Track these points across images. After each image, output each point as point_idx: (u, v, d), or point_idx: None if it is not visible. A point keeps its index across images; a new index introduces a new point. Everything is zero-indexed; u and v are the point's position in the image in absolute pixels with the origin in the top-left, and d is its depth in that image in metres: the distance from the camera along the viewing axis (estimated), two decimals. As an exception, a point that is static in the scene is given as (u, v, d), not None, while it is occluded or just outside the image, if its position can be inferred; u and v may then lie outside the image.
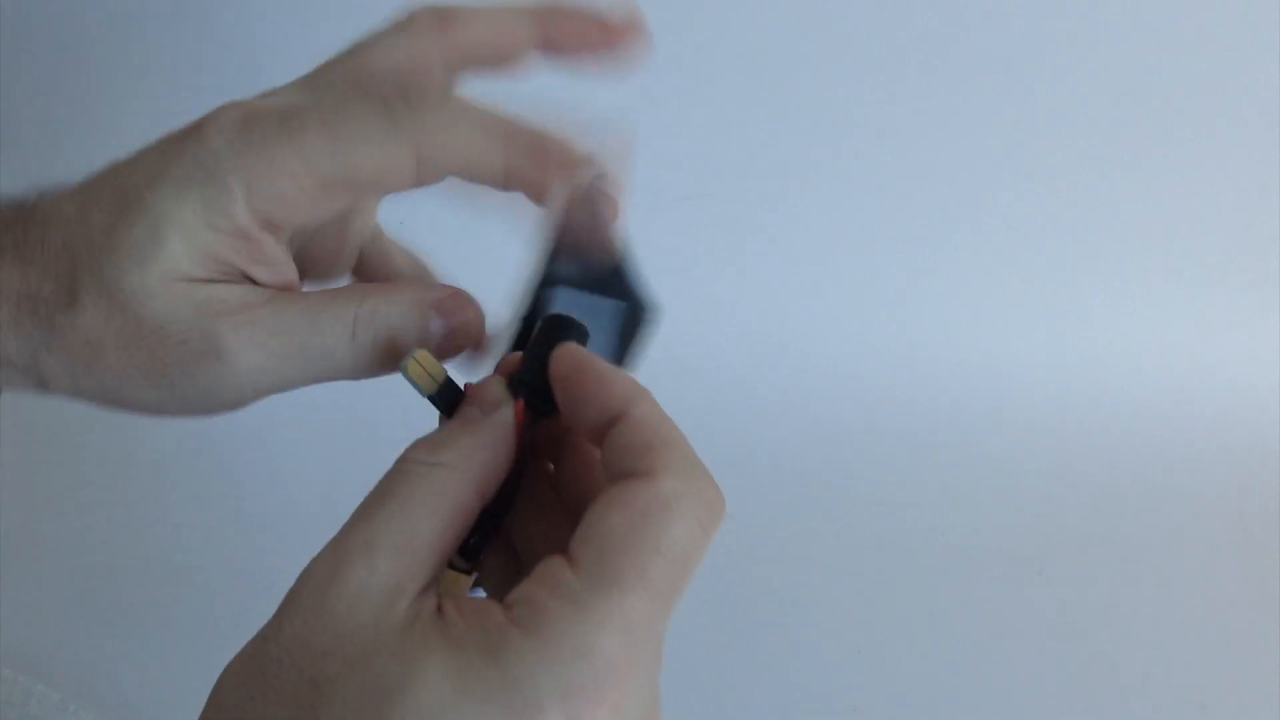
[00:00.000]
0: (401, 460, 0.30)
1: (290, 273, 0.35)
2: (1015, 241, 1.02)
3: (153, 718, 0.73)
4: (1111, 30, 0.94)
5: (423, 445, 0.31)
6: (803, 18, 0.93)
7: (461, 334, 0.35)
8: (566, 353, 0.32)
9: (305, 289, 0.36)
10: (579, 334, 0.33)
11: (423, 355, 0.33)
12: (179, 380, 0.33)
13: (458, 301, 0.35)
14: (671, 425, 0.30)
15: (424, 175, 0.33)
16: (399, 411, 0.88)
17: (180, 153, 0.33)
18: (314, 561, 0.29)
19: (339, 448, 0.88)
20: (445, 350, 0.35)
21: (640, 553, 0.27)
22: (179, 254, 0.32)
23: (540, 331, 0.33)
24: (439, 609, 0.28)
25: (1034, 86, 0.96)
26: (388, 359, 0.35)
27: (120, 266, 0.32)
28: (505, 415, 0.32)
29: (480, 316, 0.36)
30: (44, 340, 0.33)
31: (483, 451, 0.31)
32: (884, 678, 0.78)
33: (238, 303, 0.33)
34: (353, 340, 0.34)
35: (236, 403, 0.34)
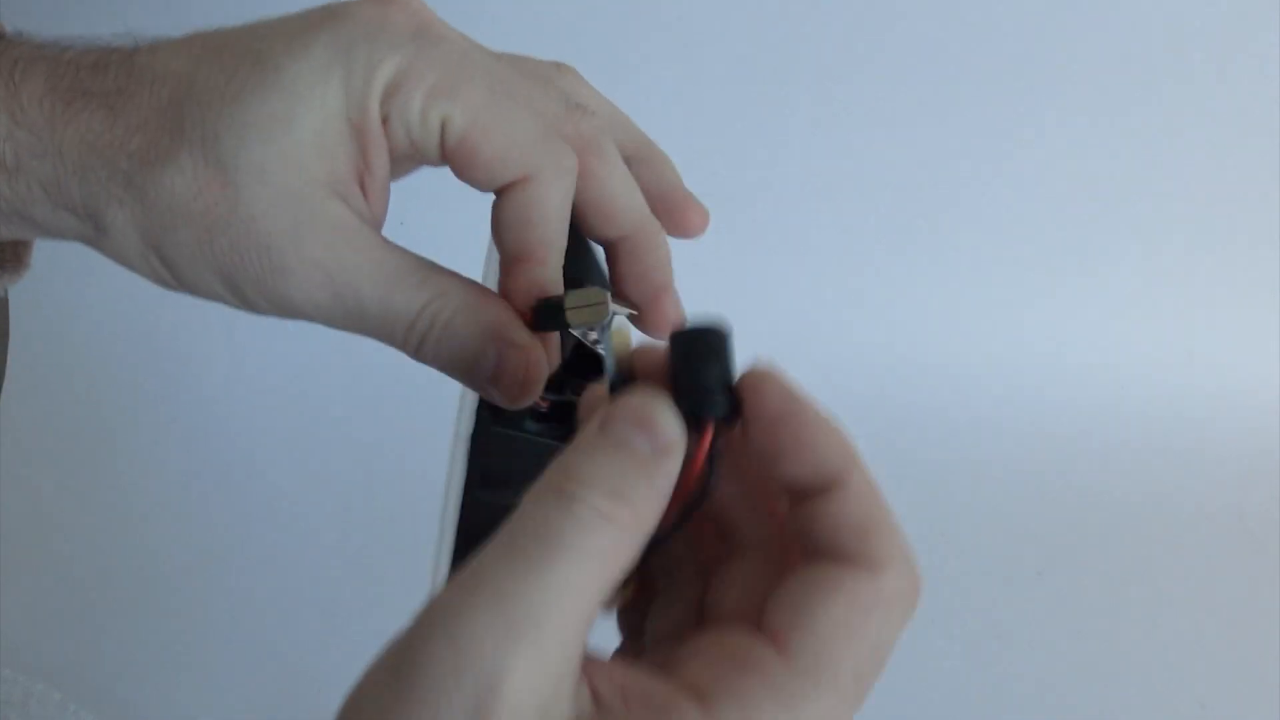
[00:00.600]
0: (570, 499, 0.24)
1: (383, 204, 0.32)
2: (1015, 243, 1.02)
3: (153, 718, 0.73)
4: (1112, 30, 0.94)
5: (595, 486, 0.25)
6: (803, 17, 0.93)
7: (511, 383, 0.31)
8: (773, 384, 0.27)
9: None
10: (726, 351, 0.29)
11: (620, 332, 0.29)
12: (244, 284, 0.31)
13: (527, 356, 0.31)
14: (887, 504, 0.27)
15: (570, 191, 0.31)
16: (405, 418, 0.88)
17: (330, 26, 0.30)
18: (446, 643, 0.23)
19: (342, 451, 0.88)
20: (485, 385, 0.32)
21: (860, 654, 0.24)
22: (308, 138, 0.29)
23: (686, 349, 0.28)
24: (593, 694, 0.24)
25: (1034, 87, 0.96)
26: (437, 361, 0.31)
27: (242, 136, 0.29)
28: (677, 459, 0.26)
29: (541, 371, 0.32)
30: (116, 195, 0.30)
31: (658, 503, 0.25)
32: (884, 678, 0.78)
33: (338, 225, 0.30)
34: (407, 334, 0.31)
35: (284, 314, 0.32)
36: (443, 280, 0.31)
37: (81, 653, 0.75)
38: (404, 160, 0.32)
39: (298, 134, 0.29)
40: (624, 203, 0.33)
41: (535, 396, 0.32)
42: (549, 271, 0.31)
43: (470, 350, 0.31)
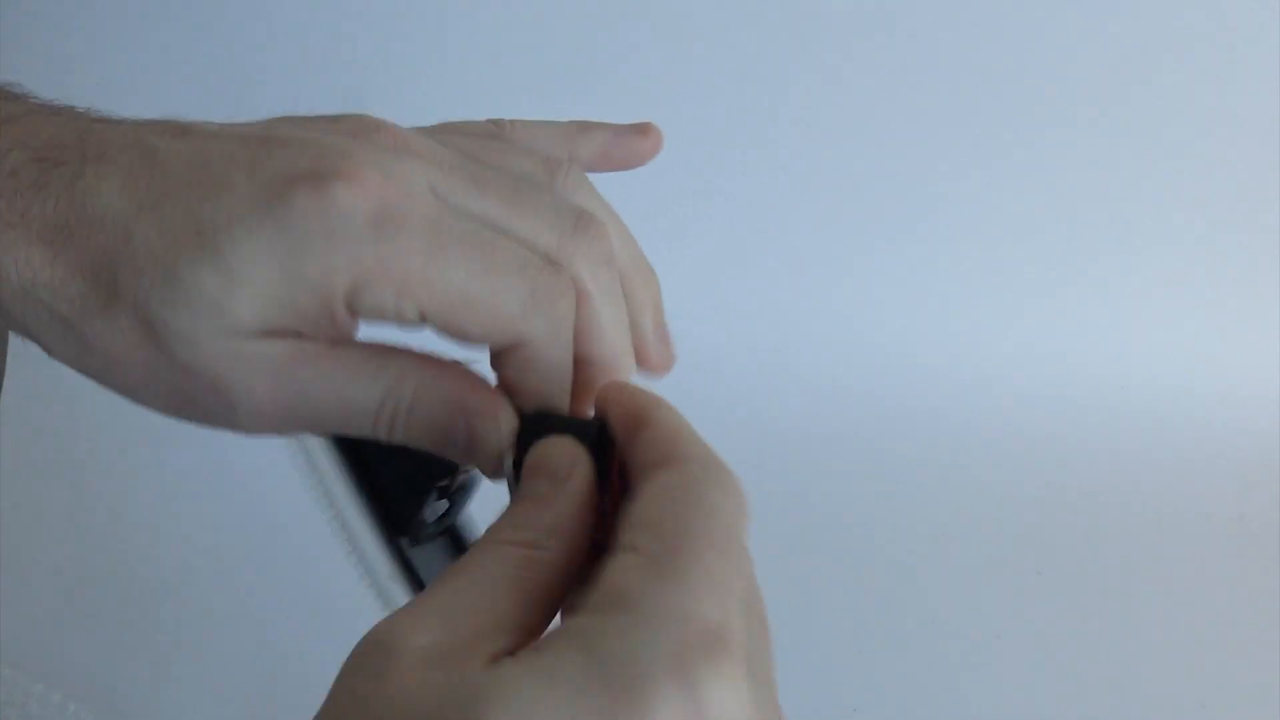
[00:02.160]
0: (483, 544, 0.28)
1: (348, 332, 0.31)
2: (1015, 244, 1.02)
3: (153, 718, 0.73)
4: (1112, 30, 0.94)
5: (504, 528, 0.28)
6: (803, 18, 0.93)
7: (486, 451, 0.32)
8: (615, 384, 0.31)
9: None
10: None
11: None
12: (193, 415, 0.31)
13: (492, 409, 0.31)
14: (689, 429, 0.29)
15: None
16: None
17: (278, 213, 0.28)
18: (377, 628, 0.26)
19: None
20: (466, 458, 0.32)
21: (695, 520, 0.26)
22: (243, 314, 0.28)
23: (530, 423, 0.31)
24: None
25: (1034, 88, 0.96)
26: (414, 442, 0.31)
27: (175, 310, 0.29)
28: (581, 479, 0.29)
29: (507, 428, 0.32)
30: (58, 334, 0.30)
31: (570, 525, 0.28)
32: (884, 678, 0.78)
33: (279, 358, 0.30)
34: (375, 425, 0.31)
35: (242, 431, 0.32)
36: (398, 362, 0.31)
37: (81, 653, 0.75)
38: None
39: (231, 319, 0.29)
40: (609, 340, 0.33)
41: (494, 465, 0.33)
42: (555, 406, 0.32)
43: (440, 425, 0.31)
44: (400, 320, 0.29)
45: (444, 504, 0.35)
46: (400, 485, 0.34)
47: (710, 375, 0.95)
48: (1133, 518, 0.92)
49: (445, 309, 0.29)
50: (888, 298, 1.02)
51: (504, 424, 0.31)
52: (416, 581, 0.34)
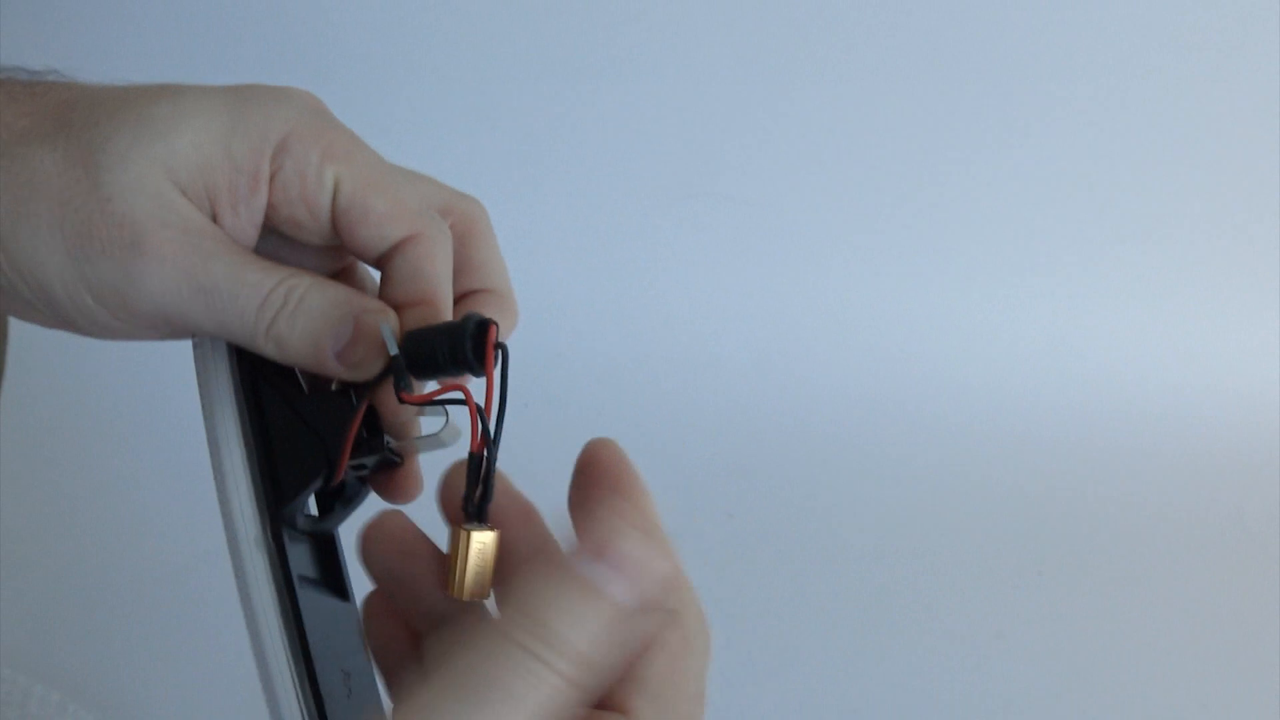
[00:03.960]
0: (537, 664, 0.24)
1: (250, 235, 0.33)
2: (1015, 243, 1.02)
3: (153, 718, 0.73)
4: (1113, 30, 0.94)
5: (562, 650, 0.24)
6: (803, 19, 0.93)
7: (354, 355, 0.32)
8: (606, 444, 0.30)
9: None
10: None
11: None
12: (90, 260, 0.30)
13: (381, 307, 0.32)
14: (672, 559, 0.27)
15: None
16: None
17: (236, 87, 0.32)
18: None
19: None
20: (329, 360, 0.32)
21: (689, 686, 0.27)
22: (181, 149, 0.31)
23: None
24: None
25: (1034, 87, 0.96)
26: (288, 339, 0.32)
27: (118, 127, 0.30)
28: (664, 612, 0.27)
29: (394, 324, 0.32)
30: None
31: (617, 655, 0.25)
32: (885, 678, 0.78)
33: (194, 226, 0.31)
34: (260, 311, 0.31)
35: (130, 310, 0.31)
36: (294, 266, 0.33)
37: (81, 653, 0.75)
38: (291, 227, 0.33)
39: (172, 141, 0.30)
40: (497, 270, 0.36)
41: (375, 370, 0.32)
42: (441, 315, 0.33)
43: (323, 324, 0.32)
44: (318, 187, 0.32)
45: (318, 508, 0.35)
46: (296, 453, 0.32)
47: (709, 374, 0.95)
48: (1133, 517, 0.92)
49: (360, 183, 0.32)
50: (885, 296, 1.02)
51: (392, 320, 0.32)
52: (281, 565, 0.33)
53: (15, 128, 0.31)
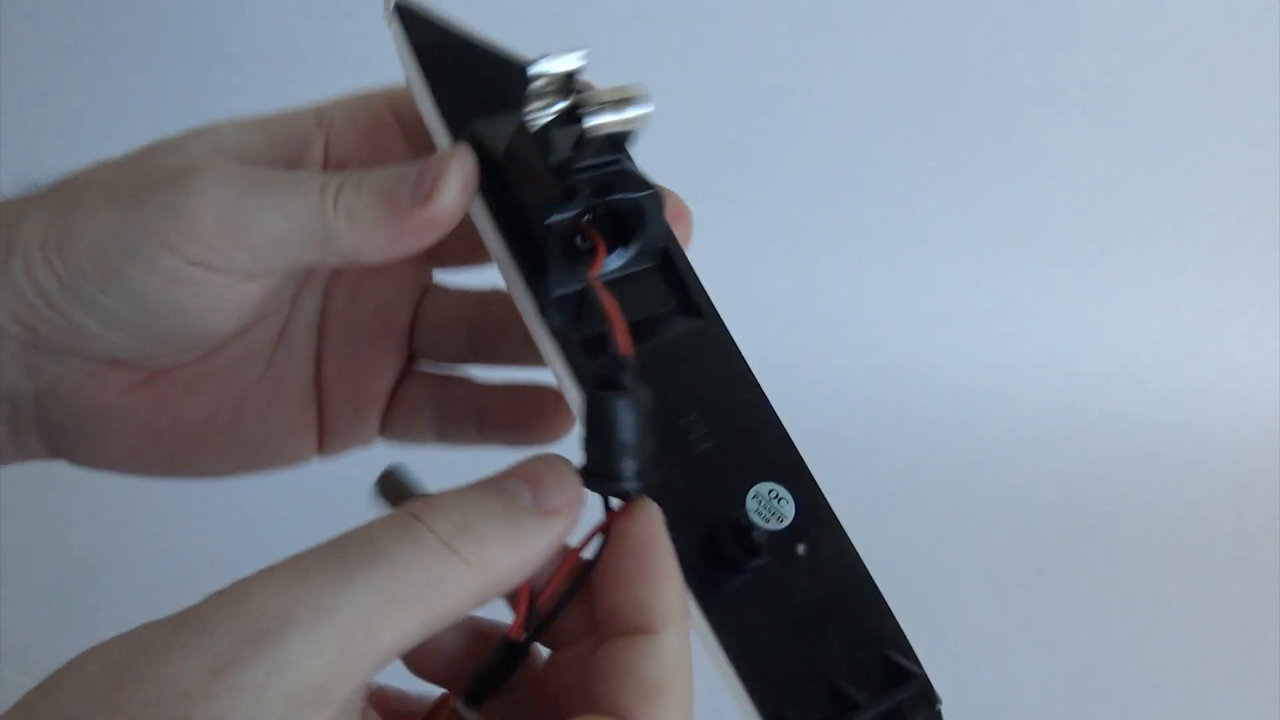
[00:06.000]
0: (413, 517, 0.24)
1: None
2: (1015, 243, 1.02)
3: (153, 718, 0.73)
4: (1113, 29, 0.94)
5: (446, 515, 0.24)
6: (803, 19, 0.93)
7: (427, 185, 0.30)
8: (647, 517, 0.27)
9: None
10: (636, 412, 0.26)
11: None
12: (144, 201, 0.29)
13: (456, 151, 0.31)
14: (691, 669, 0.26)
15: None
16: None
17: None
18: (239, 595, 0.23)
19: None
20: (410, 213, 0.30)
21: (680, 704, 0.25)
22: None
23: (598, 414, 0.26)
24: None
25: (1033, 87, 0.96)
26: (356, 207, 0.29)
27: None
28: (566, 523, 0.26)
29: (472, 170, 0.31)
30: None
31: (526, 559, 0.25)
32: (884, 678, 0.78)
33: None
34: (322, 188, 0.29)
35: (190, 245, 0.29)
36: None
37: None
38: None
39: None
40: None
41: (462, 208, 0.30)
42: None
43: (393, 177, 0.30)
44: None
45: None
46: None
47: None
48: (1133, 518, 0.92)
49: None
50: (884, 298, 1.02)
51: (463, 154, 0.30)
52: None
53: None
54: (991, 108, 0.97)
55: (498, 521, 0.24)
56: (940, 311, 1.02)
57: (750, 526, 0.28)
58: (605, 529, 0.27)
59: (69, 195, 0.30)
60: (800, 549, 0.28)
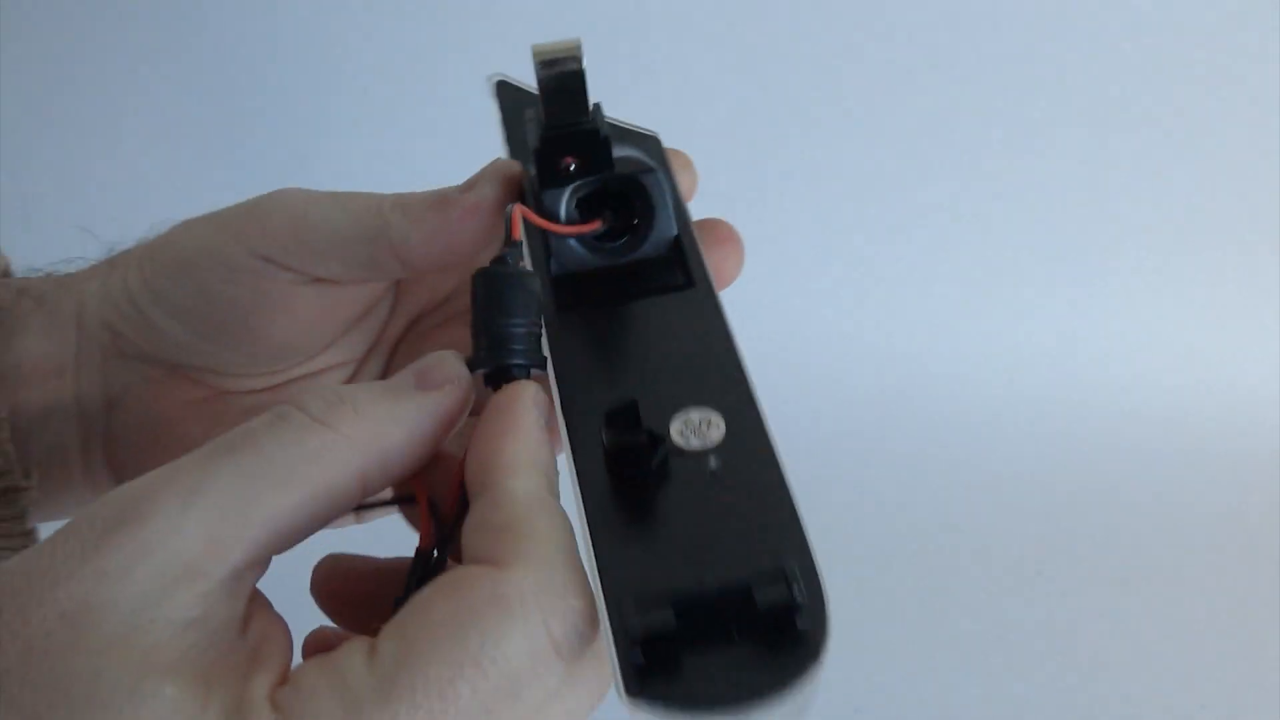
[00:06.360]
0: (288, 405, 0.24)
1: None
2: (1015, 243, 1.02)
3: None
4: (1113, 29, 0.94)
5: (321, 395, 0.24)
6: (803, 19, 0.93)
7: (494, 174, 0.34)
8: (513, 389, 0.26)
9: None
10: (525, 300, 0.27)
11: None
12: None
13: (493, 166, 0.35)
14: (552, 513, 0.24)
15: None
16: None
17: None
18: (113, 491, 0.23)
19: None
20: (460, 197, 0.33)
21: (453, 662, 0.21)
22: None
23: (484, 296, 0.27)
24: (244, 628, 0.24)
25: (1033, 86, 0.97)
26: (410, 215, 0.33)
27: None
28: (448, 398, 0.26)
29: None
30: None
31: (406, 428, 0.25)
32: (886, 678, 0.78)
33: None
34: (379, 204, 0.33)
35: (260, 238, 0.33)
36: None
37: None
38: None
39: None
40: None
41: (500, 199, 0.33)
42: None
43: (439, 192, 0.32)
44: None
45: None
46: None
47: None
48: (1133, 517, 0.92)
49: None
50: (885, 295, 1.02)
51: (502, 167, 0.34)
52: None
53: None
54: (996, 110, 0.97)
55: (376, 396, 0.25)
56: (940, 312, 1.02)
57: (661, 438, 0.27)
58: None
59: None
60: (712, 462, 0.27)
